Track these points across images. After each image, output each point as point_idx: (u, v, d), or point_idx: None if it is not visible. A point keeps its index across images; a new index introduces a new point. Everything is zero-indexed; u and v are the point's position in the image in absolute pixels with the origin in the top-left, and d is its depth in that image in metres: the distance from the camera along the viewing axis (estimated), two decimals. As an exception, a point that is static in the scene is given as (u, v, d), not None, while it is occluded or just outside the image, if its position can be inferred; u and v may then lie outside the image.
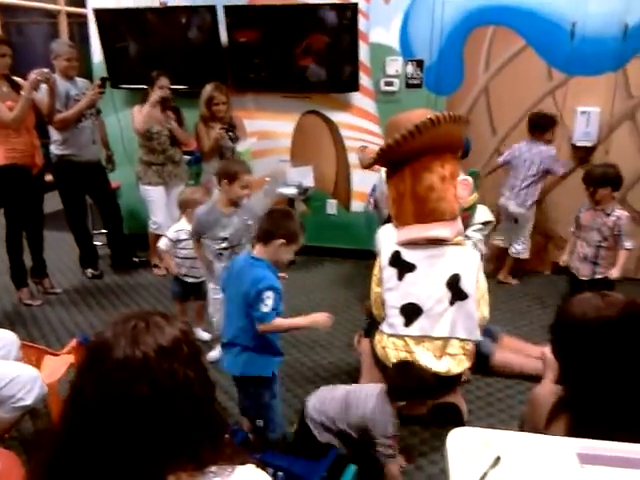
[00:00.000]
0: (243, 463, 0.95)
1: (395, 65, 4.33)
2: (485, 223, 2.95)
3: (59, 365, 2.52)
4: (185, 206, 3.31)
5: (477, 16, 4.15)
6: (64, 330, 3.59)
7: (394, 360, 2.36)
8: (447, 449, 1.16)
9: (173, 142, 4.23)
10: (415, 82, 4.34)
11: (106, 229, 4.68)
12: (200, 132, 4.11)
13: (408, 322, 2.37)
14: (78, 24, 7.22)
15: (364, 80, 4.41)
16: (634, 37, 3.93)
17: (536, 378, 2.38)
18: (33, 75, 3.50)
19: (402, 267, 2.41)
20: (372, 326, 2.61)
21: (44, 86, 3.68)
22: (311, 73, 4.41)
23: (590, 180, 3.16)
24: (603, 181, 3.09)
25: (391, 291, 2.42)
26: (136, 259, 4.67)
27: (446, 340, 2.33)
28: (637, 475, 1.09)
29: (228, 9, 4.29)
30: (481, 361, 2.76)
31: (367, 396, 2.13)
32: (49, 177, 4.10)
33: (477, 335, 2.36)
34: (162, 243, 3.31)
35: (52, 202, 4.43)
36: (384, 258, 2.46)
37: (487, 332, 2.54)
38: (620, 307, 1.29)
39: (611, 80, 4.06)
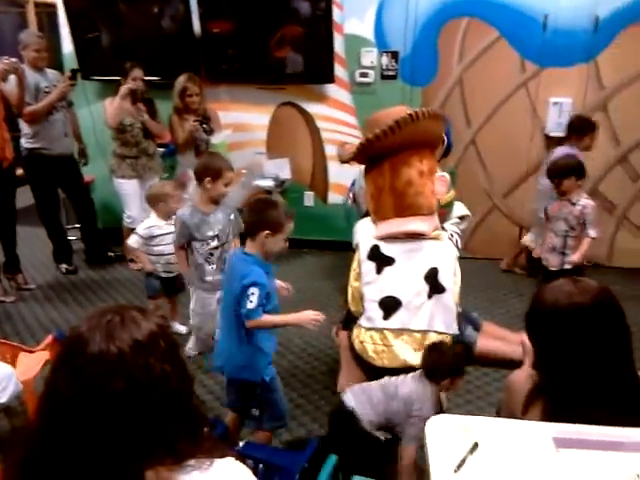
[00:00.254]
0: (222, 456, 0.95)
1: (370, 56, 4.33)
2: (462, 217, 2.99)
3: (34, 362, 2.49)
4: (156, 200, 3.23)
5: (451, 8, 4.17)
6: (39, 326, 3.53)
7: (372, 354, 2.37)
8: (426, 436, 1.17)
9: (146, 134, 4.17)
10: (390, 73, 4.34)
11: (80, 223, 4.61)
12: (174, 124, 4.05)
13: (387, 315, 2.38)
14: (47, 14, 7.05)
15: (339, 71, 4.41)
16: (605, 29, 3.99)
17: (518, 365, 2.42)
18: (0, 65, 3.42)
19: (381, 261, 2.43)
20: (350, 318, 2.62)
21: (12, 77, 3.59)
22: (286, 64, 4.38)
23: (554, 173, 3.20)
24: (566, 172, 3.14)
25: (370, 285, 2.43)
26: (111, 254, 4.61)
27: (424, 333, 2.34)
28: (610, 457, 1.12)
29: (201, -1, 4.24)
30: (465, 351, 2.79)
31: (403, 382, 2.15)
32: (20, 171, 4.01)
33: (455, 329, 2.39)
34: (132, 240, 3.20)
35: (24, 197, 4.35)
36: (363, 252, 2.48)
37: (469, 320, 2.57)
38: (592, 293, 1.31)
39: (583, 71, 4.12)
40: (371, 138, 2.30)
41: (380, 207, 2.46)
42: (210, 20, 4.31)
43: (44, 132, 3.93)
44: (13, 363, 2.43)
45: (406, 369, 2.30)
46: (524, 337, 1.46)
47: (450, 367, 2.12)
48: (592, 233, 3.14)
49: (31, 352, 2.60)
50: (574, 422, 1.18)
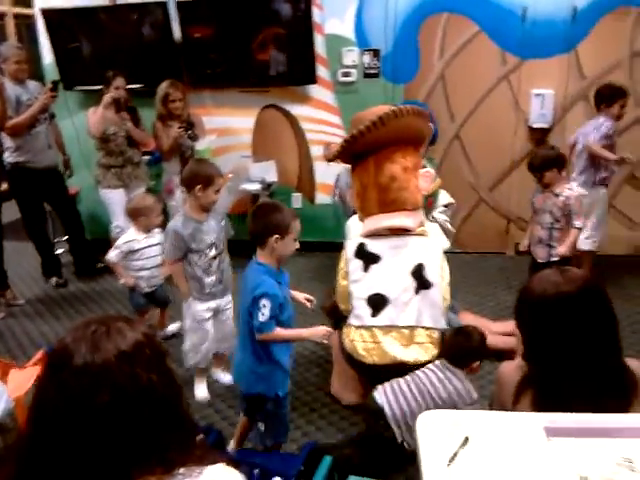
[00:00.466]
0: (213, 463, 0.94)
1: (352, 55, 4.34)
2: (447, 205, 3.01)
3: (25, 378, 2.46)
4: (137, 214, 3.14)
5: (430, 4, 4.18)
6: (30, 342, 3.50)
7: (362, 352, 2.37)
8: (417, 431, 1.18)
9: (130, 143, 4.15)
10: (372, 72, 4.35)
11: (67, 236, 4.58)
12: (158, 131, 4.04)
13: (375, 312, 2.39)
14: (26, 25, 7.01)
15: (321, 72, 4.41)
16: (583, 19, 4.02)
17: (502, 356, 2.44)
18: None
19: (367, 258, 2.44)
20: (339, 317, 2.62)
21: (-7, 91, 3.57)
22: (268, 67, 4.38)
23: (534, 167, 3.20)
24: (546, 164, 3.14)
25: (357, 283, 2.44)
26: (100, 265, 4.56)
27: (412, 329, 2.35)
28: (600, 443, 1.13)
29: (180, 5, 4.24)
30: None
31: (431, 376, 2.16)
32: (4, 186, 3.98)
33: (443, 323, 2.40)
34: (112, 255, 3.11)
35: (10, 211, 4.31)
36: (349, 250, 2.48)
37: (449, 308, 2.59)
38: (579, 283, 1.32)
39: (563, 62, 4.15)
40: (355, 134, 2.31)
41: (365, 204, 2.47)
42: (190, 25, 4.31)
43: (27, 145, 3.89)
44: (4, 380, 2.41)
45: (396, 365, 2.30)
46: (511, 326, 1.47)
47: (477, 350, 2.15)
48: (578, 224, 3.14)
49: (23, 368, 2.58)
50: (563, 411, 1.19)
